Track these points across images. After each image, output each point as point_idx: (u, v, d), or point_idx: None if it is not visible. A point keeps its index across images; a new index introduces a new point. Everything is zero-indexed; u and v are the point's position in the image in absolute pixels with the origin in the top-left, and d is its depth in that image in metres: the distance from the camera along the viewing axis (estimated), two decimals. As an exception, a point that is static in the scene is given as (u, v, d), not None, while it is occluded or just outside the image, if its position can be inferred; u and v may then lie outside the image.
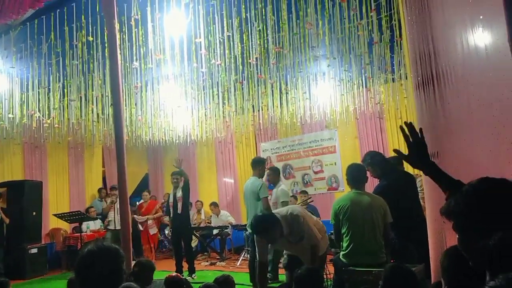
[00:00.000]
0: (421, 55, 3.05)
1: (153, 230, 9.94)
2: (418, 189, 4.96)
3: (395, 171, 4.61)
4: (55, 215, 8.22)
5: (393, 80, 7.25)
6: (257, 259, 4.10)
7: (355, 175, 4.08)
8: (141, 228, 9.66)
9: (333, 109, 8.02)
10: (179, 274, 4.29)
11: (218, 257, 9.31)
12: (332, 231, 4.23)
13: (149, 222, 9.86)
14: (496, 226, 1.34)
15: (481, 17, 2.84)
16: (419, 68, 3.05)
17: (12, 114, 6.62)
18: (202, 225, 10.18)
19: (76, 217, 7.70)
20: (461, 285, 1.80)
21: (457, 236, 1.49)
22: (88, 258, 1.99)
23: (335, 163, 9.83)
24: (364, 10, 5.15)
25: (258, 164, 6.40)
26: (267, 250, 4.14)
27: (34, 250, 8.46)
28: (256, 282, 4.34)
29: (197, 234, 9.79)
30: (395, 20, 5.43)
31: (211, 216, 10.59)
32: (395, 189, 4.25)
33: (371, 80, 7.10)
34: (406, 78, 6.76)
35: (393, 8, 5.40)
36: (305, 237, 3.97)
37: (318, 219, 4.39)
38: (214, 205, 10.34)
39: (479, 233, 1.38)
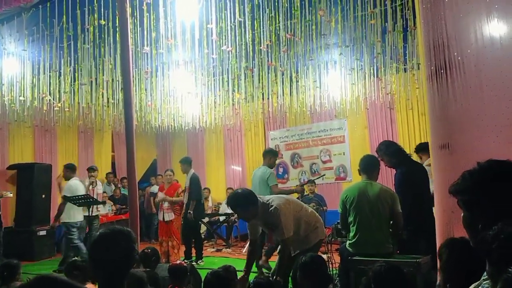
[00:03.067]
0: (434, 44, 3.01)
1: (169, 216, 7.62)
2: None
3: (411, 161, 4.58)
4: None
5: (404, 70, 7.16)
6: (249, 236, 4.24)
7: (368, 165, 4.08)
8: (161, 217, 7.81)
9: (343, 98, 7.96)
10: (182, 262, 4.31)
11: (224, 244, 9.37)
12: (339, 221, 4.24)
13: (165, 205, 7.68)
14: (500, 205, 1.36)
15: (496, 6, 2.79)
16: (432, 58, 3.01)
17: (23, 97, 6.66)
18: (209, 212, 10.23)
19: (85, 201, 7.74)
20: (460, 279, 1.78)
21: (462, 213, 1.52)
22: (101, 242, 2.02)
23: (343, 153, 9.80)
24: (377, -2, 5.08)
25: (269, 154, 6.52)
26: (257, 230, 4.19)
27: (43, 232, 8.57)
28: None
29: (203, 221, 9.84)
30: (409, 9, 5.36)
31: (218, 203, 10.65)
32: (416, 176, 4.25)
33: (382, 70, 7.03)
34: (418, 69, 6.69)
35: (407, -3, 5.33)
36: (277, 230, 3.90)
37: (313, 211, 4.33)
38: (230, 190, 10.39)
39: (484, 211, 1.40)
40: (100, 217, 8.64)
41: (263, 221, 3.97)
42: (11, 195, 8.39)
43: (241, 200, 3.86)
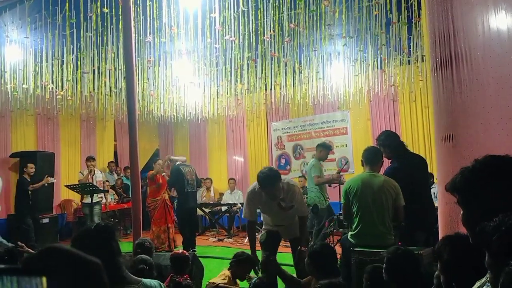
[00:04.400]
0: (440, 35, 2.98)
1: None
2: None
3: (407, 154, 4.56)
4: (66, 186, 8.33)
5: (408, 62, 7.12)
6: (247, 218, 4.47)
7: (371, 156, 4.07)
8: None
9: (347, 90, 7.93)
10: (184, 251, 4.34)
11: (226, 234, 9.41)
12: (341, 212, 4.24)
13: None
14: (498, 202, 1.34)
15: (504, -2, 2.76)
16: (437, 49, 2.98)
17: (26, 84, 6.65)
18: (211, 202, 10.26)
19: (88, 189, 7.78)
20: (460, 275, 1.77)
21: (461, 211, 1.50)
22: (82, 236, 2.03)
23: (346, 145, 9.79)
24: (382, -11, 5.03)
25: (320, 147, 6.90)
26: (256, 212, 4.43)
27: (46, 220, 8.62)
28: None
29: (205, 210, 9.87)
30: (414, 0, 5.31)
31: (220, 193, 10.67)
32: (405, 173, 4.20)
33: (386, 62, 6.99)
34: (423, 60, 6.64)
35: (413, -13, 5.27)
36: (296, 207, 4.16)
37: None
38: (233, 180, 10.48)
39: (482, 209, 1.39)
40: (102, 205, 8.69)
41: (283, 199, 4.11)
42: (54, 180, 8.71)
43: (276, 174, 4.06)
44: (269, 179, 3.98)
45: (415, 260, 2.60)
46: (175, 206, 7.89)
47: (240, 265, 3.91)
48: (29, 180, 8.31)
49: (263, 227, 4.61)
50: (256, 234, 4.66)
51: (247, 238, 4.91)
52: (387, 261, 2.59)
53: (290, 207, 4.15)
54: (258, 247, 4.40)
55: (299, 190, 4.35)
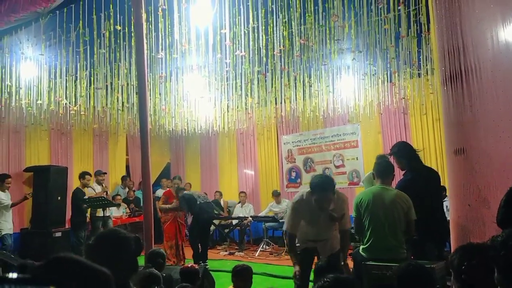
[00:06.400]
0: (449, 49, 3.00)
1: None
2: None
3: (421, 166, 4.52)
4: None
5: (419, 75, 7.13)
6: (287, 230, 4.22)
7: (382, 169, 4.02)
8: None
9: (357, 103, 7.94)
10: (194, 265, 4.34)
11: (237, 247, 9.39)
12: (353, 225, 4.21)
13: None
14: None
15: (513, 11, 2.78)
16: (447, 63, 3.01)
17: (40, 100, 6.78)
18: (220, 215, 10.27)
19: (100, 203, 7.85)
20: (473, 283, 1.76)
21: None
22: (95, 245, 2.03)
23: (356, 158, 9.76)
24: (391, 3, 5.07)
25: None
26: (298, 224, 4.13)
27: (58, 234, 8.67)
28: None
29: (215, 223, 9.87)
30: (422, 14, 5.34)
31: (229, 207, 10.68)
32: (419, 185, 4.17)
33: (396, 75, 7.00)
34: (433, 73, 6.65)
35: (421, 2, 5.30)
36: (344, 219, 4.02)
37: None
38: (243, 194, 10.46)
39: None
40: (113, 219, 8.76)
41: (336, 207, 3.98)
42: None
43: (332, 180, 3.97)
44: (326, 184, 3.84)
45: (428, 275, 2.57)
46: (188, 222, 7.91)
47: (239, 277, 3.89)
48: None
49: (298, 244, 4.25)
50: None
51: (288, 250, 4.67)
52: (398, 278, 2.56)
53: (342, 217, 4.00)
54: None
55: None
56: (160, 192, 10.96)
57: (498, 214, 1.83)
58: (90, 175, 8.60)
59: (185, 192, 7.95)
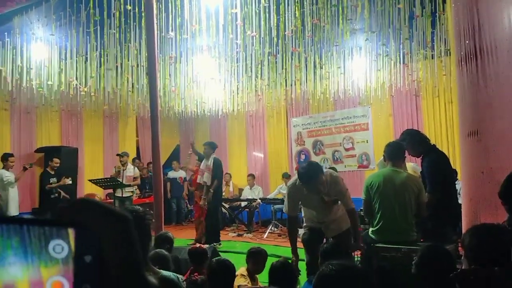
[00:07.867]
0: (465, 29, 2.94)
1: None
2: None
3: (436, 150, 4.47)
4: (90, 180, 8.48)
5: (432, 56, 7.00)
6: (287, 213, 4.22)
7: (394, 152, 3.99)
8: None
9: (368, 85, 7.86)
10: (202, 245, 4.36)
11: (245, 229, 9.46)
12: (362, 208, 4.21)
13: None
14: None
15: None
16: (462, 43, 2.94)
17: (51, 81, 6.80)
18: (230, 197, 10.32)
19: (111, 183, 7.93)
20: (485, 264, 1.76)
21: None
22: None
23: (367, 140, 9.70)
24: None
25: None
26: (297, 207, 4.22)
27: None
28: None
29: (225, 205, 9.92)
30: (438, -6, 5.23)
31: (240, 189, 10.72)
32: (444, 166, 4.15)
33: (409, 56, 6.89)
34: (447, 55, 6.53)
35: (437, -19, 5.19)
36: (342, 200, 3.98)
37: None
38: (251, 176, 10.46)
39: None
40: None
41: (330, 191, 3.95)
42: (71, 182, 8.76)
43: (317, 167, 3.88)
44: (310, 174, 3.80)
45: (449, 257, 2.56)
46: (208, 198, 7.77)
47: (253, 259, 3.91)
48: (52, 173, 8.47)
49: (304, 224, 4.35)
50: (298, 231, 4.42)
51: (287, 234, 4.66)
52: (420, 257, 2.54)
53: (334, 201, 4.01)
54: (299, 243, 4.23)
55: (343, 182, 4.08)
56: (172, 174, 11.03)
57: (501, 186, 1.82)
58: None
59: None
